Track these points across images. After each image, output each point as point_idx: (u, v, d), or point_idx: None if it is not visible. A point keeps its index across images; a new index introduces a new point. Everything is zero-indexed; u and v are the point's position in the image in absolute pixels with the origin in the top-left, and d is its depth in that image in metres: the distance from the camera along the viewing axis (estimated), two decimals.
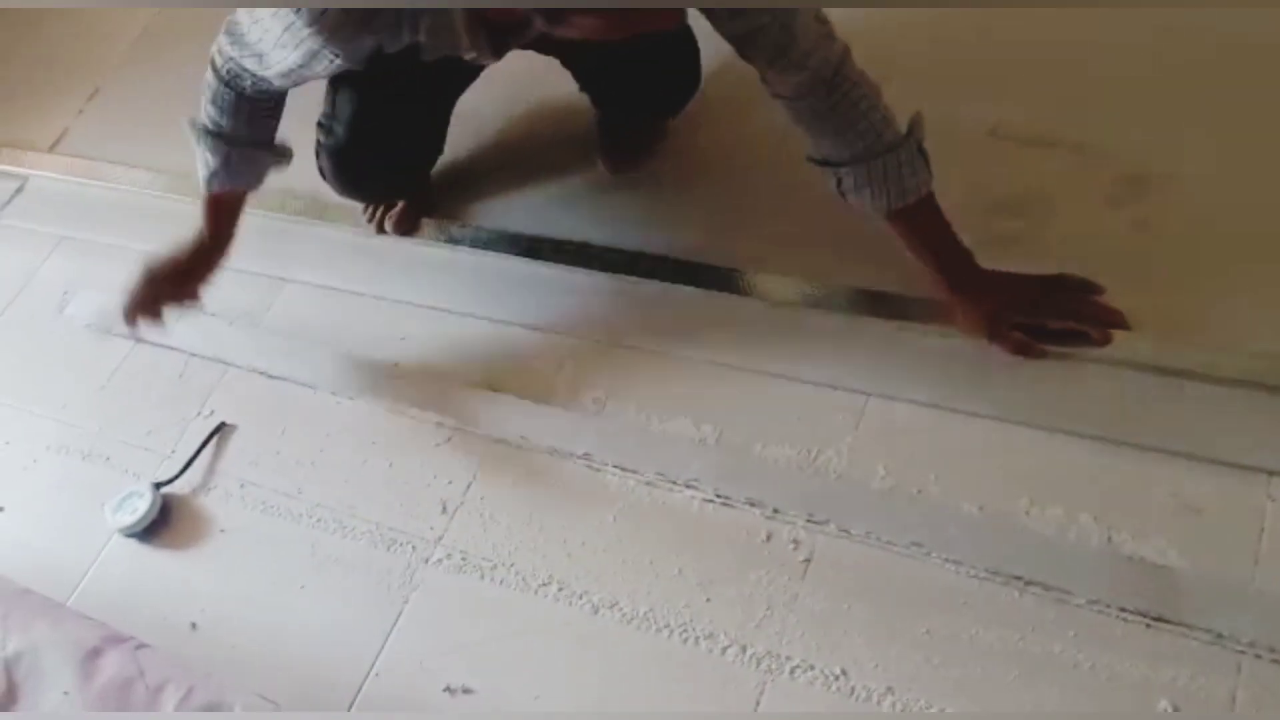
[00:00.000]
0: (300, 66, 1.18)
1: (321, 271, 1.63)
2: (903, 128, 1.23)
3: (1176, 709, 1.05)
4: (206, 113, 1.31)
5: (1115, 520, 1.17)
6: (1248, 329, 1.25)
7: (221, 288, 1.39)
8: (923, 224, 1.28)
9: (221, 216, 1.40)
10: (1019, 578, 1.15)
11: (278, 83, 1.25)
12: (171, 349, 1.60)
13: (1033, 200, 1.42)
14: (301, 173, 1.72)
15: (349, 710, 1.23)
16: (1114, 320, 1.27)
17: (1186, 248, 1.34)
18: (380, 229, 1.61)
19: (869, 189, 1.24)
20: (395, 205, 1.60)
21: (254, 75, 1.24)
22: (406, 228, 1.60)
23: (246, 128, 1.32)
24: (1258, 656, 1.06)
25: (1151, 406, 1.23)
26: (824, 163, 1.27)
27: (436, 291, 1.55)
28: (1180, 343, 1.25)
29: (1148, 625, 1.10)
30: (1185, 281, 1.31)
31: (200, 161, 1.35)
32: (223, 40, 1.23)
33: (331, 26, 1.12)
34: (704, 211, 1.53)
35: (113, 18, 2.17)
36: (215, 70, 1.27)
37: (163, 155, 1.82)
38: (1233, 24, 1.50)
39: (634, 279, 1.48)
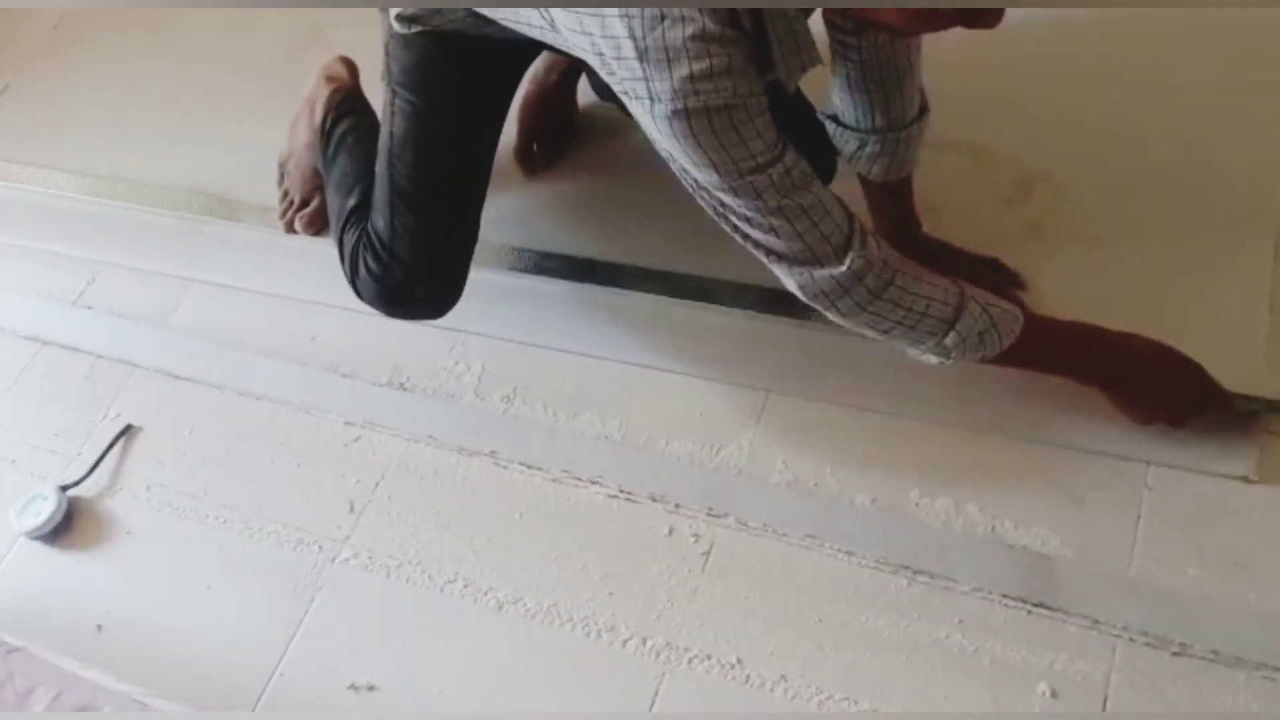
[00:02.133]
0: None
1: (230, 271, 1.62)
2: None
3: (1054, 693, 1.09)
4: None
5: (1000, 510, 1.21)
6: (1129, 326, 1.30)
7: (128, 288, 1.39)
8: (898, 192, 1.34)
9: None
10: (908, 567, 1.19)
11: None
12: (78, 351, 1.58)
13: (930, 199, 1.45)
14: (210, 171, 1.74)
15: (253, 710, 1.23)
16: None
17: (1073, 248, 1.39)
18: (290, 228, 1.60)
19: (886, 159, 1.27)
20: (309, 204, 1.60)
21: None
22: (318, 227, 1.59)
23: None
24: (1131, 640, 1.11)
25: (1036, 400, 1.27)
26: (845, 125, 1.27)
27: (345, 291, 1.54)
28: None
29: (1028, 611, 1.14)
30: (1072, 280, 1.35)
31: None
32: None
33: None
34: (603, 210, 1.55)
35: (22, 15, 2.13)
36: None
37: (80, 156, 1.80)
38: (1126, 36, 1.56)
39: (542, 278, 1.49)
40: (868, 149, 1.27)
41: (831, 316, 1.13)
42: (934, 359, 1.16)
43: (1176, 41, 1.55)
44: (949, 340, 1.12)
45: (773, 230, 1.06)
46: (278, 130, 1.62)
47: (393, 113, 1.29)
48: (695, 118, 0.96)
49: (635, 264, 1.47)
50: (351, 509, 1.36)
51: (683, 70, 0.94)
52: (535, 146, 1.59)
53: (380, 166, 1.31)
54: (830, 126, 1.31)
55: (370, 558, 1.32)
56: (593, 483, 1.32)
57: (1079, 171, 1.45)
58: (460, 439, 1.38)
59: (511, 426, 1.39)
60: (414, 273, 1.31)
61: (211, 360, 1.53)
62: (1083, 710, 1.08)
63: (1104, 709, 1.08)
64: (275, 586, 1.32)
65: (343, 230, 1.39)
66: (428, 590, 1.28)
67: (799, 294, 1.12)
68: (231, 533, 1.37)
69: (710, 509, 1.27)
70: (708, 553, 1.25)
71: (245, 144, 1.74)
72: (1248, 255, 1.34)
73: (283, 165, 1.62)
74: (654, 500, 1.29)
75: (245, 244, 1.64)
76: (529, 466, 1.35)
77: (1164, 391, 1.19)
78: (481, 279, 1.51)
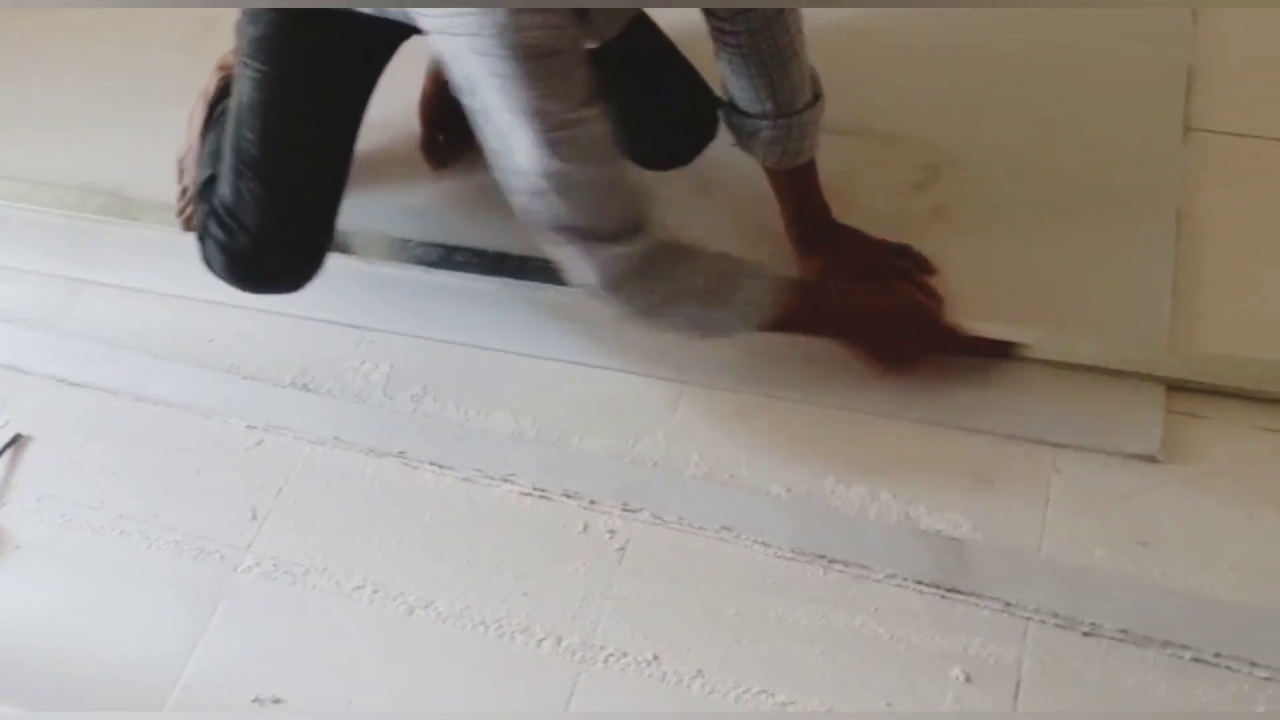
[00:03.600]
0: None
1: (125, 272, 1.56)
2: None
3: (969, 677, 1.09)
4: None
5: (913, 496, 1.21)
6: (1033, 308, 1.31)
7: (16, 291, 1.32)
8: (802, 177, 1.34)
9: None
10: (823, 556, 1.18)
11: None
12: None
13: (840, 185, 1.45)
14: (102, 167, 1.67)
15: None
16: (935, 302, 1.31)
17: (981, 231, 1.40)
18: (189, 225, 1.54)
19: (780, 145, 1.28)
20: None
21: None
22: None
23: None
24: (1042, 622, 1.11)
25: (948, 385, 1.27)
26: (739, 111, 1.28)
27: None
28: (972, 322, 1.29)
29: (942, 596, 1.14)
30: (979, 263, 1.36)
31: None
32: None
33: None
34: None
35: None
36: None
37: None
38: (1029, 21, 1.58)
39: (451, 273, 1.46)
40: (761, 135, 1.28)
41: (615, 305, 1.15)
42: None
43: (1077, 24, 1.57)
44: (722, 315, 1.16)
45: (572, 201, 1.06)
46: (176, 125, 1.56)
47: (241, 82, 1.27)
48: (518, 56, 0.97)
49: (547, 256, 1.44)
50: (254, 516, 1.32)
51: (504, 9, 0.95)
52: (440, 138, 1.56)
53: (228, 135, 1.29)
54: (724, 113, 1.31)
55: (275, 565, 1.28)
56: (505, 481, 1.29)
57: (986, 155, 1.47)
58: (368, 440, 1.34)
59: (421, 425, 1.35)
60: (261, 241, 1.28)
61: (106, 364, 1.47)
62: (997, 694, 1.08)
63: (1017, 692, 1.08)
64: (175, 598, 1.27)
65: (199, 205, 1.35)
66: (335, 597, 1.24)
67: (589, 287, 1.13)
68: (129, 544, 1.32)
69: (626, 504, 1.25)
70: (623, 548, 1.23)
71: (142, 140, 1.67)
72: (1150, 236, 1.36)
73: (181, 160, 1.56)
74: (568, 497, 1.27)
75: (142, 243, 1.58)
76: (439, 466, 1.31)
77: (889, 340, 1.25)
78: (389, 274, 1.49)
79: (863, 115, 1.52)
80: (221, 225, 1.29)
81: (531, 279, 1.43)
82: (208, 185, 1.35)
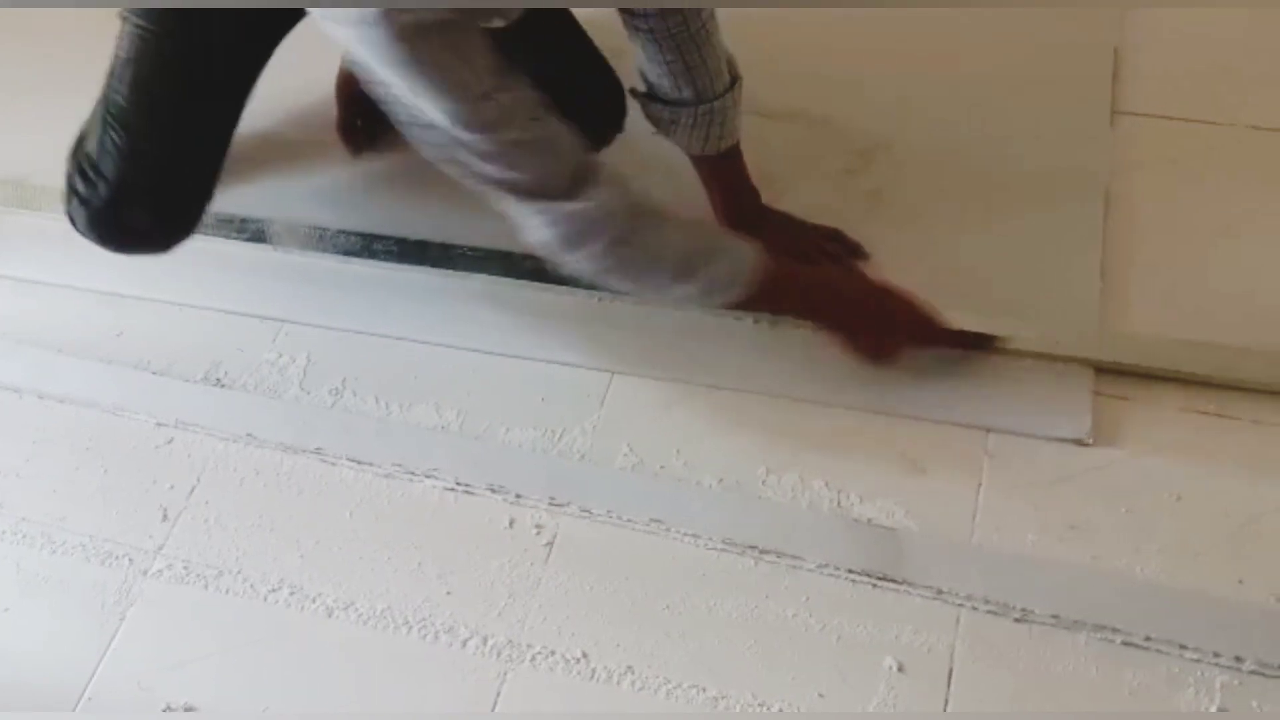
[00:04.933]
0: None
1: (26, 264, 1.49)
2: None
3: (901, 666, 1.08)
4: None
5: (845, 484, 1.19)
6: (966, 293, 1.30)
7: None
8: (727, 164, 1.31)
9: None
10: (754, 547, 1.16)
11: None
12: None
13: (773, 171, 1.43)
14: (5, 156, 1.60)
15: None
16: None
17: (912, 215, 1.38)
18: None
19: (702, 131, 1.26)
20: None
21: None
22: None
23: None
24: (975, 609, 1.10)
25: (881, 371, 1.26)
26: (657, 99, 1.26)
27: (155, 282, 1.44)
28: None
29: (874, 585, 1.12)
30: (911, 247, 1.35)
31: None
32: None
33: None
34: (434, 189, 1.46)
35: None
36: None
37: None
38: (963, 10, 1.58)
39: (371, 262, 1.41)
40: (681, 122, 1.25)
41: (575, 264, 1.12)
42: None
43: (1006, 8, 1.57)
44: (692, 288, 1.14)
45: (511, 164, 1.04)
46: (83, 113, 1.49)
47: (122, 39, 1.24)
48: (411, 38, 0.94)
49: (469, 244, 1.40)
50: (165, 516, 1.26)
51: None
52: (359, 122, 1.50)
53: (101, 91, 1.25)
54: (642, 103, 1.28)
55: (186, 568, 1.22)
56: (428, 476, 1.25)
57: (917, 141, 1.46)
58: (284, 436, 1.29)
59: (340, 420, 1.30)
60: (121, 193, 1.24)
61: (7, 360, 1.40)
62: (929, 682, 1.07)
63: (949, 680, 1.06)
64: (81, 604, 1.21)
65: (69, 163, 1.31)
66: (250, 600, 1.19)
67: (546, 246, 1.11)
68: (32, 549, 1.25)
69: (553, 498, 1.22)
70: (551, 544, 1.20)
71: (46, 127, 1.58)
72: (1079, 219, 1.35)
73: None
74: (493, 491, 1.23)
75: (45, 234, 1.50)
76: (359, 462, 1.27)
77: (874, 327, 1.23)
78: (306, 264, 1.44)
79: (796, 100, 1.51)
80: (84, 178, 1.26)
81: (455, 268, 1.39)
82: (79, 144, 1.30)
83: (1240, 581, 1.09)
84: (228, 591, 1.20)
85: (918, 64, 1.54)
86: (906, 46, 1.56)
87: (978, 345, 1.25)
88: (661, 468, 1.24)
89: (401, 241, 1.41)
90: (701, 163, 1.31)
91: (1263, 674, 1.03)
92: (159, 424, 1.33)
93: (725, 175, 1.33)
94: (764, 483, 1.21)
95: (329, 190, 1.49)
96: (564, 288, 1.35)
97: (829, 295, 1.23)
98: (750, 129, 1.47)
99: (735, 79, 1.25)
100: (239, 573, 1.21)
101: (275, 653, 1.16)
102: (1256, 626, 1.05)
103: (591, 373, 1.32)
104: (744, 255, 1.15)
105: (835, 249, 1.33)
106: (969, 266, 1.33)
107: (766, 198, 1.37)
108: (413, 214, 1.43)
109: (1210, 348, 1.22)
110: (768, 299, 1.20)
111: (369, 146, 1.52)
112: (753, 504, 1.19)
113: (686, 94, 1.23)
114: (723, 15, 1.53)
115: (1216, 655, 1.04)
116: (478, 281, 1.38)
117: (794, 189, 1.41)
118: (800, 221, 1.35)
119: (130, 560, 1.23)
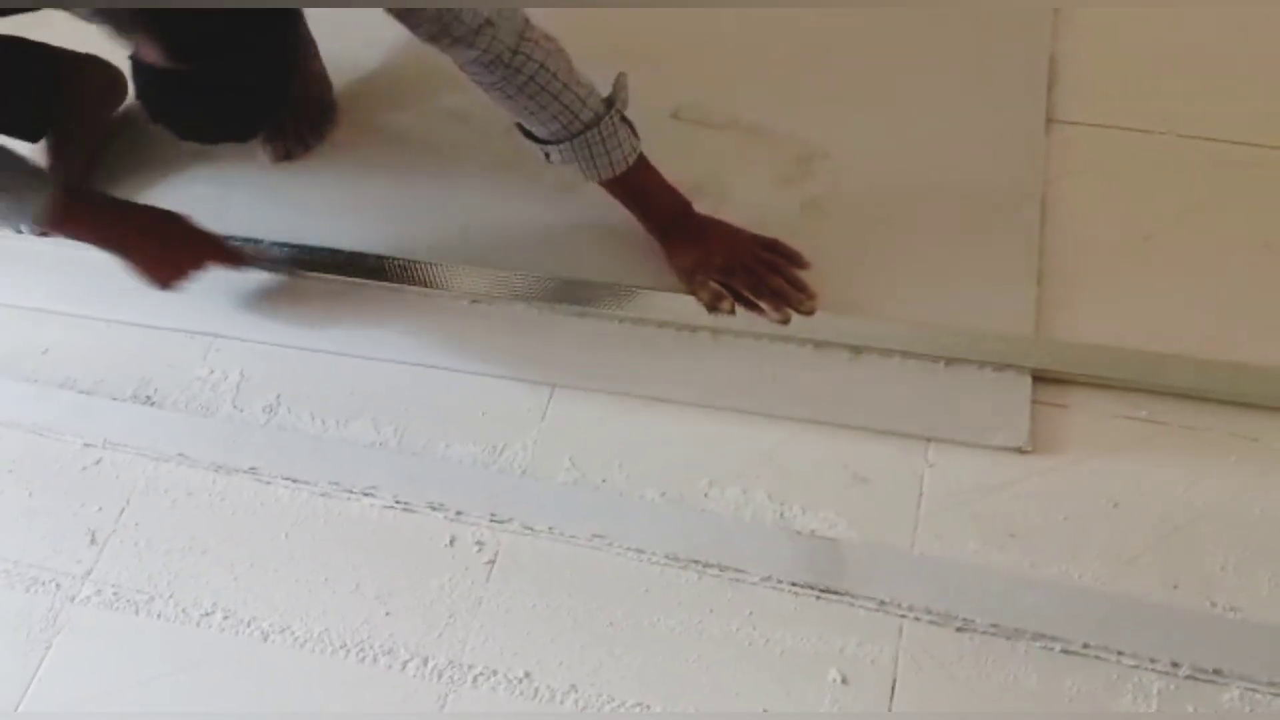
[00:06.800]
0: None
1: None
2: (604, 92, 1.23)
3: (845, 679, 1.08)
4: None
5: (788, 496, 1.19)
6: (906, 301, 1.30)
7: None
8: (634, 185, 1.30)
9: None
10: (698, 561, 1.15)
11: None
12: None
13: (712, 179, 1.42)
14: None
15: None
16: (806, 296, 1.29)
17: (851, 224, 1.38)
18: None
19: (576, 164, 1.24)
20: None
21: None
22: None
23: None
24: (917, 619, 1.10)
25: (822, 381, 1.26)
26: (529, 135, 1.25)
27: (81, 297, 1.40)
28: (846, 317, 1.28)
29: (817, 597, 1.12)
30: (849, 256, 1.35)
31: None
32: None
33: None
34: (368, 198, 1.45)
35: None
36: None
37: None
38: (898, 16, 1.58)
39: (308, 274, 1.38)
40: (554, 159, 1.25)
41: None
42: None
43: (940, 15, 1.57)
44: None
45: None
46: None
47: None
48: None
49: (405, 256, 1.38)
50: (93, 540, 1.22)
51: None
52: (284, 126, 1.47)
53: None
54: (520, 137, 1.27)
55: (116, 593, 1.19)
56: (366, 494, 1.22)
57: (853, 149, 1.45)
58: (216, 455, 1.26)
59: (274, 438, 1.27)
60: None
61: None
62: (872, 694, 1.07)
63: (892, 691, 1.07)
64: (6, 633, 1.17)
65: None
66: (183, 625, 1.16)
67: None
68: None
69: (493, 514, 1.20)
70: (492, 561, 1.18)
71: None
72: (1015, 227, 1.36)
73: None
74: (433, 509, 1.21)
75: None
76: (294, 481, 1.24)
77: (158, 254, 1.30)
78: (237, 277, 1.40)
79: (731, 108, 1.50)
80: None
81: (390, 280, 1.36)
82: None
83: (1175, 586, 1.10)
84: (159, 616, 1.17)
85: (855, 71, 1.54)
86: (843, 53, 1.56)
87: (276, 267, 1.37)
88: (603, 481, 1.23)
89: (335, 253, 1.39)
90: (608, 186, 1.29)
91: (1197, 678, 1.04)
92: (86, 444, 1.29)
93: (636, 195, 1.31)
94: (707, 495, 1.20)
95: (259, 200, 1.46)
96: (503, 300, 1.34)
97: (118, 226, 1.29)
98: (685, 137, 1.48)
99: (609, 104, 1.23)
100: (171, 597, 1.18)
101: (209, 679, 1.13)
102: (1191, 631, 1.07)
103: (532, 386, 1.30)
104: (36, 188, 1.21)
105: (774, 258, 1.33)
106: (908, 274, 1.33)
107: (704, 207, 1.36)
108: (346, 225, 1.41)
109: (1143, 355, 1.23)
110: (65, 230, 1.26)
111: (296, 153, 1.49)
112: (696, 517, 1.18)
113: (554, 129, 1.22)
114: (647, 16, 1.52)
115: (1153, 660, 1.05)
116: (414, 294, 1.36)
117: (731, 198, 1.41)
118: (738, 230, 1.34)
119: (57, 586, 1.20)
